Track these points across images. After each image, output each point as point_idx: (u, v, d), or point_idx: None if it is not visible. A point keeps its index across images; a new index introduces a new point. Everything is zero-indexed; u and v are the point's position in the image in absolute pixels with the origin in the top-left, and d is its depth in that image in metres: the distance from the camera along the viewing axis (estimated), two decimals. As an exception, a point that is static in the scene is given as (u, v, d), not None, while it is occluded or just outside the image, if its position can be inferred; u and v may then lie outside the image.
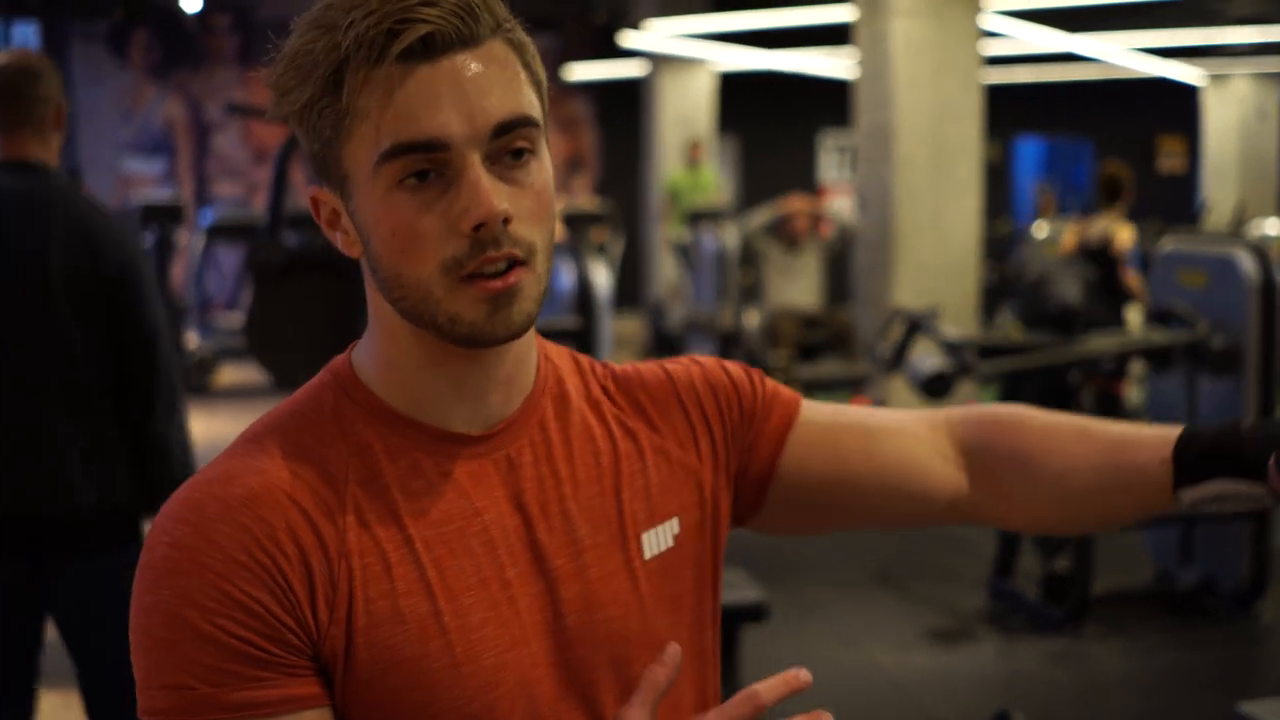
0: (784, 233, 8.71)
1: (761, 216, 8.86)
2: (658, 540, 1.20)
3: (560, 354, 1.25)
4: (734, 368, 1.31)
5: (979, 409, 1.36)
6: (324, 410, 1.12)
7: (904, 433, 1.34)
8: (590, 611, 1.14)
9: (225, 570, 1.01)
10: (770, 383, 1.33)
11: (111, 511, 2.91)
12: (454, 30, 1.03)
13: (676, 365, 1.31)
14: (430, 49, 1.03)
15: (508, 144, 1.05)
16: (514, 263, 1.05)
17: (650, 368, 1.29)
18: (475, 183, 1.03)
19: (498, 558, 1.11)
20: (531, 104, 1.07)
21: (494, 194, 1.03)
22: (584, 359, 1.27)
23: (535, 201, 1.07)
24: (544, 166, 1.08)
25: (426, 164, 1.03)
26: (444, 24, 1.02)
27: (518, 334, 1.08)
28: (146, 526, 3.09)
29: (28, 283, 2.80)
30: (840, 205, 13.31)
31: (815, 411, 1.33)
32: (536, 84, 1.09)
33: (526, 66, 1.08)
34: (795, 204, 8.62)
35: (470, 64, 1.04)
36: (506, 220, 1.04)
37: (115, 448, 2.90)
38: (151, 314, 2.91)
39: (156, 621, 1.01)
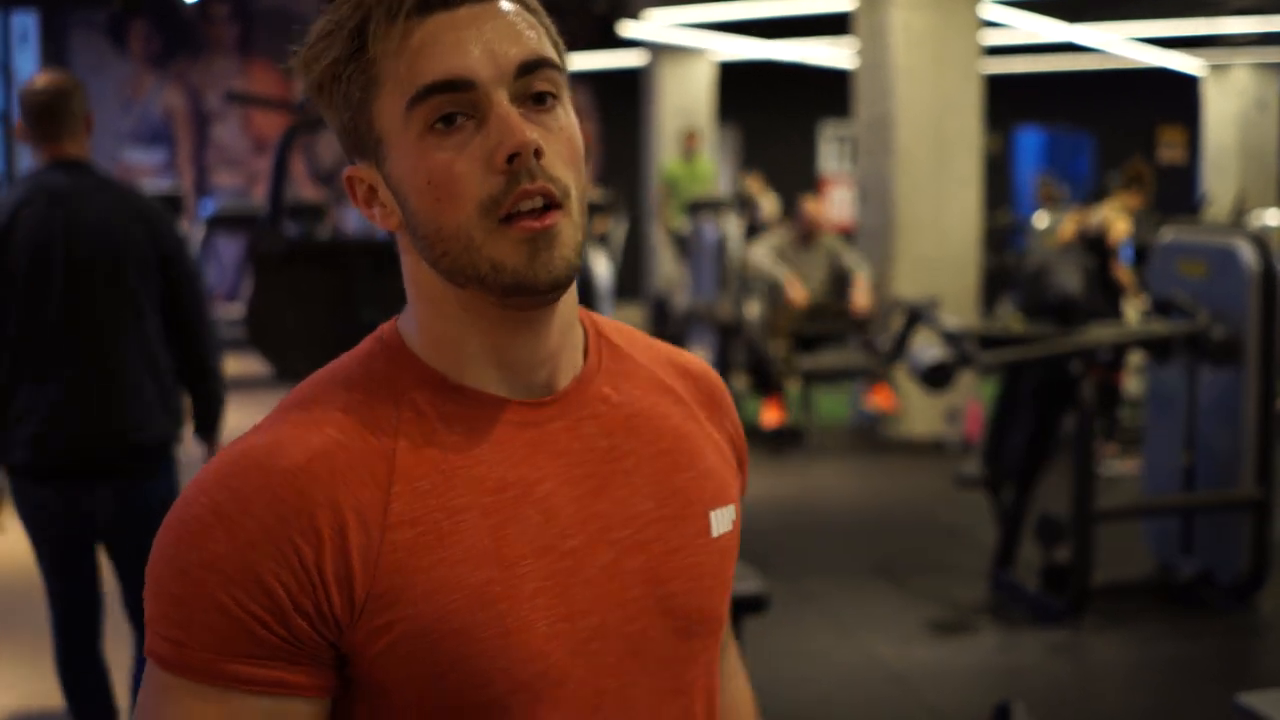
0: (799, 227, 8.75)
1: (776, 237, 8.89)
2: (722, 521, 1.20)
3: (618, 330, 1.25)
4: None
5: (734, 692, 1.36)
6: (375, 375, 1.10)
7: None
8: (655, 584, 1.13)
9: (256, 545, 1.00)
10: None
11: (175, 437, 3.58)
12: None
13: (727, 392, 1.32)
14: (448, 1, 1.05)
15: (532, 85, 1.06)
16: (549, 202, 1.05)
17: (712, 372, 1.31)
18: (505, 116, 1.04)
19: (558, 526, 1.10)
20: (550, 50, 1.09)
21: (525, 126, 1.04)
22: (645, 337, 1.28)
23: (566, 145, 1.07)
24: (570, 114, 1.09)
25: (454, 105, 1.04)
26: None
27: (560, 282, 1.06)
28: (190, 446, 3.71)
29: (101, 251, 3.40)
30: (841, 198, 13.29)
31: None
32: (554, 41, 1.11)
33: (543, 25, 1.10)
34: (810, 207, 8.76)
35: (488, 11, 1.06)
36: (539, 153, 1.04)
37: (175, 385, 3.56)
38: (195, 272, 3.59)
39: (177, 578, 1.01)
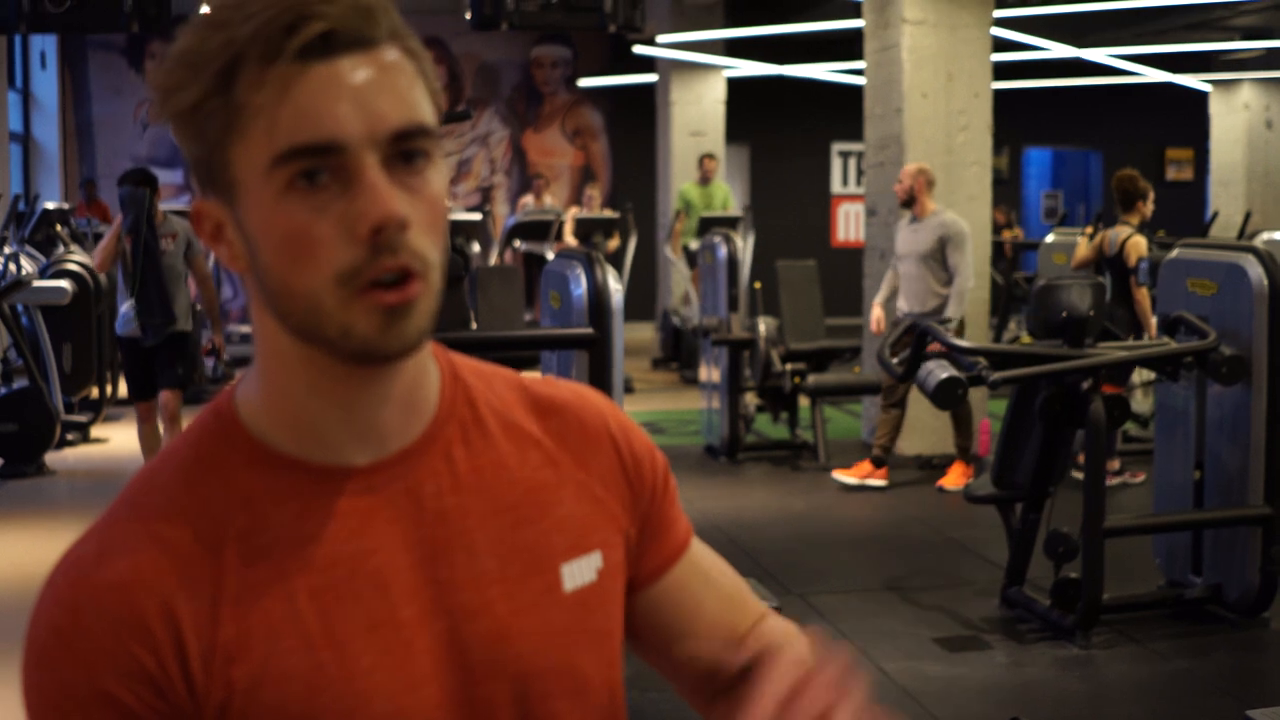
0: None
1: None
2: (579, 572, 1.14)
3: (477, 372, 1.20)
4: (659, 458, 1.25)
5: (772, 637, 1.30)
6: (205, 459, 1.08)
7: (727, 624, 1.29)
8: (500, 647, 1.09)
9: (98, 664, 1.00)
10: (675, 498, 1.27)
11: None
12: (352, 30, 0.99)
13: (617, 414, 1.25)
14: (328, 47, 0.98)
15: (404, 149, 1.01)
16: (408, 274, 1.00)
17: (588, 400, 1.24)
18: (374, 184, 0.99)
19: (390, 599, 1.06)
20: (428, 113, 1.03)
21: (392, 197, 0.99)
22: (507, 376, 1.22)
23: (430, 211, 1.02)
24: (440, 176, 1.04)
25: (322, 166, 0.98)
26: (343, 22, 0.99)
27: (411, 350, 1.04)
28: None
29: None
30: (851, 215, 13.30)
31: (689, 566, 1.26)
32: (432, 92, 1.05)
33: (423, 74, 1.04)
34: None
35: (367, 66, 1.00)
36: (405, 226, 0.99)
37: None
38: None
39: (37, 697, 1.02)
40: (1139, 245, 7.69)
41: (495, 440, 1.15)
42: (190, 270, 7.37)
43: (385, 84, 1.00)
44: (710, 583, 1.28)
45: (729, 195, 13.68)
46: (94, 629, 1.00)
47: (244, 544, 1.04)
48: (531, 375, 1.26)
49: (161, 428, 7.24)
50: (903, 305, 7.92)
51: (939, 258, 7.73)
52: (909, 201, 7.87)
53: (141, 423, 7.31)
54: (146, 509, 1.06)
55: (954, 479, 7.94)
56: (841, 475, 8.04)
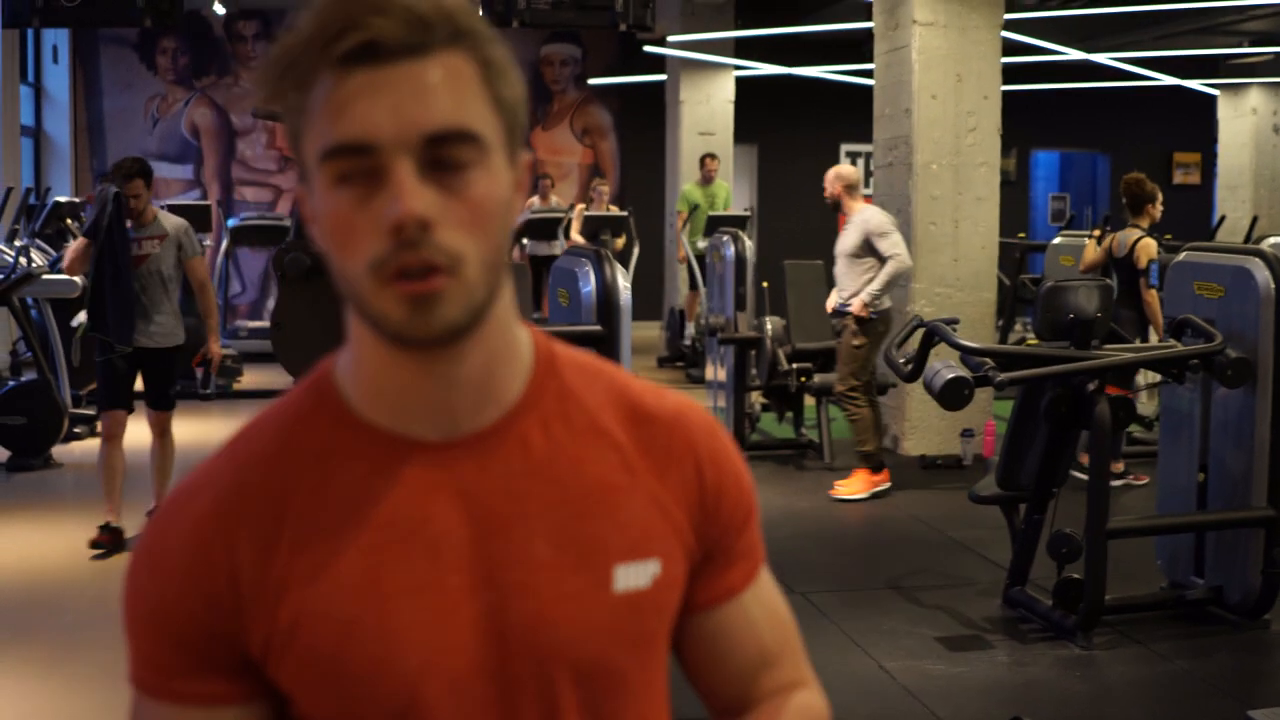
0: None
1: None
2: (632, 576, 1.18)
3: (581, 368, 1.24)
4: (747, 498, 1.29)
5: (796, 701, 1.34)
6: (299, 416, 1.18)
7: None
8: (538, 629, 1.14)
9: (170, 580, 1.13)
10: (752, 540, 1.31)
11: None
12: (400, 39, 1.05)
13: (716, 441, 1.27)
14: (375, 55, 1.05)
15: (441, 152, 1.06)
16: (432, 269, 1.06)
17: (686, 420, 1.26)
18: (398, 185, 1.05)
19: (440, 565, 1.12)
20: (480, 118, 1.08)
21: (415, 197, 1.04)
22: (612, 378, 1.26)
23: (470, 212, 1.07)
24: (490, 180, 1.09)
25: (357, 164, 1.05)
26: (388, 32, 1.04)
27: (440, 339, 1.09)
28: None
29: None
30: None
31: (738, 616, 1.30)
32: (497, 101, 1.09)
33: (487, 83, 1.09)
34: None
35: (415, 73, 1.05)
36: (427, 224, 1.05)
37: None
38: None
39: (126, 611, 1.16)
40: (1149, 248, 7.70)
41: (575, 436, 1.19)
42: (186, 274, 6.75)
43: (426, 90, 1.06)
44: (753, 633, 1.30)
45: (729, 194, 13.69)
46: (171, 550, 1.14)
47: (312, 495, 1.14)
48: (647, 382, 1.28)
49: (151, 440, 6.82)
50: (833, 300, 8.00)
51: (862, 253, 7.78)
52: (836, 206, 8.00)
53: (106, 440, 6.63)
54: (240, 454, 1.17)
55: (852, 487, 7.85)
56: (845, 493, 7.86)
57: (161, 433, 6.79)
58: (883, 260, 7.68)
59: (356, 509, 1.13)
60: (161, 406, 6.77)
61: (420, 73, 1.05)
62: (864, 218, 7.79)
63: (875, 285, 7.66)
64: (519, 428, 1.17)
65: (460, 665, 1.12)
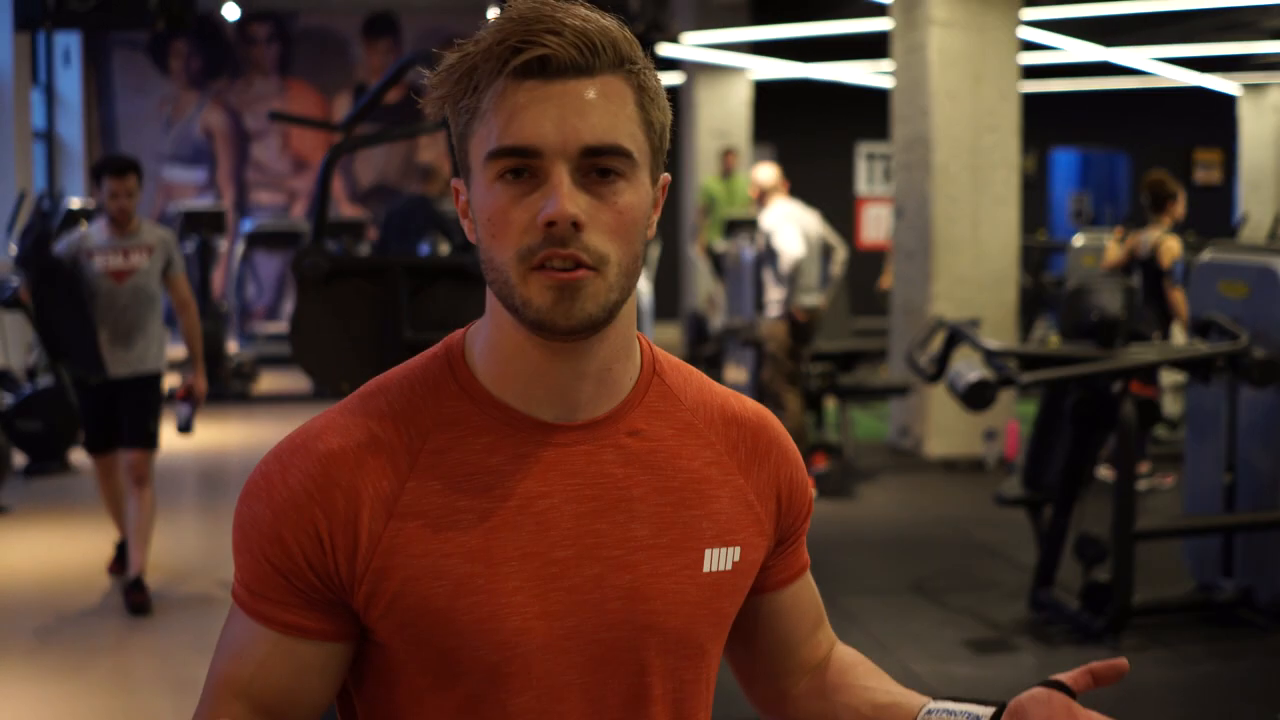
0: None
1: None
2: (718, 559, 1.32)
3: (679, 371, 1.38)
4: (810, 493, 1.45)
5: (845, 650, 1.53)
6: (430, 379, 1.28)
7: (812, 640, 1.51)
8: (635, 601, 1.27)
9: (285, 512, 1.23)
10: (806, 531, 1.46)
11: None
12: (570, 59, 1.19)
13: (788, 442, 1.43)
14: (546, 70, 1.19)
15: (596, 164, 1.20)
16: (577, 264, 1.18)
17: (768, 424, 1.40)
18: (556, 186, 1.18)
19: (549, 537, 1.25)
20: (631, 137, 1.21)
21: (571, 200, 1.18)
22: (703, 382, 1.40)
23: (616, 219, 1.20)
24: (635, 193, 1.22)
25: (522, 165, 1.19)
26: (561, 51, 1.18)
27: (576, 330, 1.21)
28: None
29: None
30: (878, 217, 13.27)
31: (805, 588, 1.48)
32: (647, 124, 1.24)
33: (641, 106, 1.23)
34: None
35: (579, 90, 1.19)
36: (578, 225, 1.18)
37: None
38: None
39: (237, 529, 1.26)
40: (1172, 248, 7.65)
41: (674, 431, 1.33)
42: (168, 292, 5.88)
43: (588, 107, 1.19)
44: (813, 603, 1.49)
45: (748, 187, 13.67)
46: (292, 483, 1.23)
47: (436, 458, 1.25)
48: (725, 387, 1.42)
49: (125, 489, 5.82)
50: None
51: (768, 251, 7.95)
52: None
53: (102, 478, 5.96)
54: (371, 407, 1.28)
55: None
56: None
57: (139, 479, 5.69)
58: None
59: (477, 477, 1.25)
60: (141, 444, 5.71)
61: (584, 90, 1.19)
62: (764, 219, 8.04)
63: (778, 290, 7.90)
64: (628, 420, 1.30)
65: (557, 628, 1.24)
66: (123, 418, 5.73)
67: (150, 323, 5.75)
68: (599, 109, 1.20)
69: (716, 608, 1.33)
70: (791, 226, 7.83)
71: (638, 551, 1.28)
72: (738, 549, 1.34)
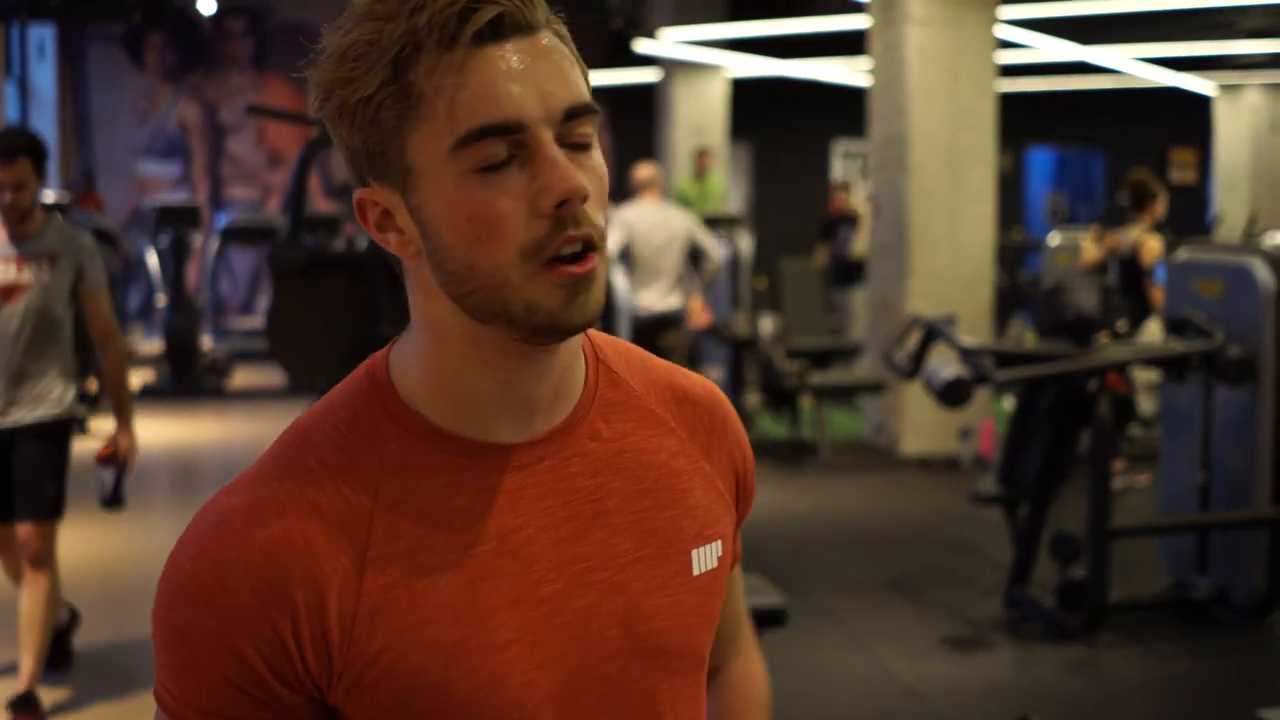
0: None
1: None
2: (706, 558, 1.19)
3: (620, 352, 1.23)
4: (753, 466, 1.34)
5: (747, 676, 1.43)
6: (360, 424, 1.09)
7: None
8: (633, 624, 1.13)
9: (233, 621, 1.03)
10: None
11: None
12: (518, 15, 1.03)
13: (736, 415, 1.30)
14: (498, 33, 1.02)
15: (574, 128, 1.04)
16: (589, 246, 1.04)
17: (717, 397, 1.28)
18: (555, 159, 1.02)
19: (533, 574, 1.09)
20: (588, 92, 1.07)
21: (574, 170, 1.02)
22: (646, 360, 1.26)
23: (599, 185, 1.06)
24: (599, 154, 1.08)
25: (505, 146, 1.02)
26: (510, 6, 1.02)
27: (592, 322, 1.06)
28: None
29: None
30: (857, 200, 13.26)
31: (736, 579, 1.37)
32: (584, 75, 1.09)
33: (575, 58, 1.08)
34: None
35: (533, 49, 1.03)
36: (586, 198, 1.03)
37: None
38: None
39: (169, 633, 1.05)
40: (1154, 247, 7.68)
41: (634, 424, 1.19)
42: (84, 317, 4.46)
43: (551, 66, 1.04)
44: (733, 606, 1.37)
45: (722, 187, 13.69)
46: (237, 588, 1.03)
47: (394, 513, 1.07)
48: (665, 361, 1.29)
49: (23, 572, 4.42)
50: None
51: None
52: None
53: (1, 555, 4.59)
54: (299, 469, 1.07)
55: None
56: None
57: (35, 560, 4.35)
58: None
59: (443, 524, 1.08)
60: (35, 513, 4.34)
61: (542, 48, 1.04)
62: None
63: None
64: (587, 422, 1.15)
65: (561, 674, 1.10)
66: (15, 482, 4.36)
67: (52, 355, 4.37)
68: (559, 66, 1.04)
69: (709, 612, 1.20)
70: (618, 230, 7.72)
71: (626, 569, 1.14)
72: (719, 542, 1.21)
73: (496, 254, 1.02)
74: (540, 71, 1.03)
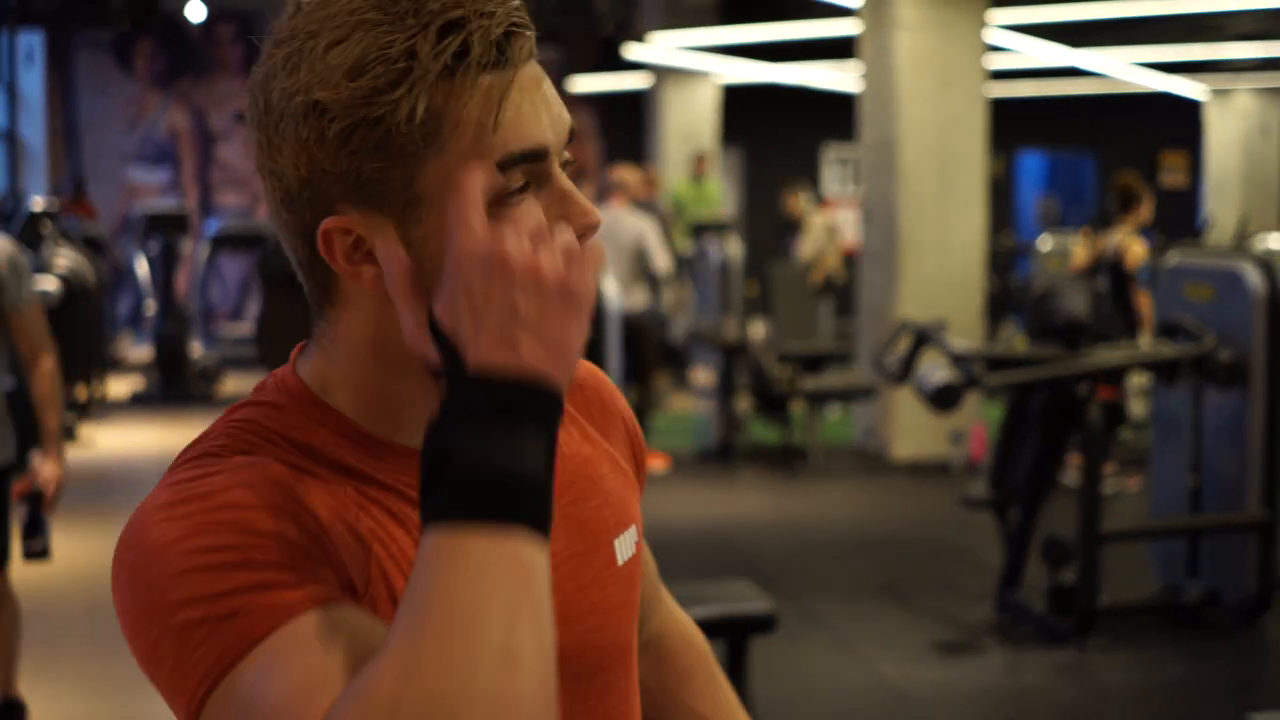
0: None
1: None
2: (625, 546, 1.16)
3: None
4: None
5: (680, 637, 1.40)
6: (290, 425, 1.02)
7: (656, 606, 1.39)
8: (570, 624, 1.08)
9: (262, 493, 0.95)
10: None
11: None
12: (532, 39, 0.99)
13: (611, 385, 1.27)
14: (523, 58, 0.98)
15: (565, 153, 1.02)
16: None
17: (598, 375, 1.26)
18: (571, 192, 0.99)
19: None
20: None
21: (589, 203, 1.00)
22: None
23: None
24: None
25: (532, 174, 0.98)
26: (530, 30, 0.99)
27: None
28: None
29: None
30: (844, 219, 13.29)
31: (646, 550, 1.28)
32: None
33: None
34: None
35: (538, 72, 1.00)
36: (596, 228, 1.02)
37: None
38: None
39: (178, 565, 0.92)
40: (1137, 251, 7.68)
41: None
42: (11, 336, 3.99)
43: (550, 89, 1.01)
44: (649, 575, 1.35)
45: (718, 190, 13.70)
46: (239, 498, 0.94)
47: (361, 483, 1.01)
48: None
49: None
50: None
51: None
52: None
53: None
54: (245, 444, 1.00)
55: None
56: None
57: None
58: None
59: (390, 543, 1.01)
60: None
61: (540, 72, 1.00)
62: None
63: None
64: None
65: None
66: None
67: None
68: (553, 90, 1.02)
69: (633, 599, 1.17)
70: None
71: (559, 568, 1.06)
72: (634, 528, 1.18)
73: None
74: (549, 96, 1.00)
